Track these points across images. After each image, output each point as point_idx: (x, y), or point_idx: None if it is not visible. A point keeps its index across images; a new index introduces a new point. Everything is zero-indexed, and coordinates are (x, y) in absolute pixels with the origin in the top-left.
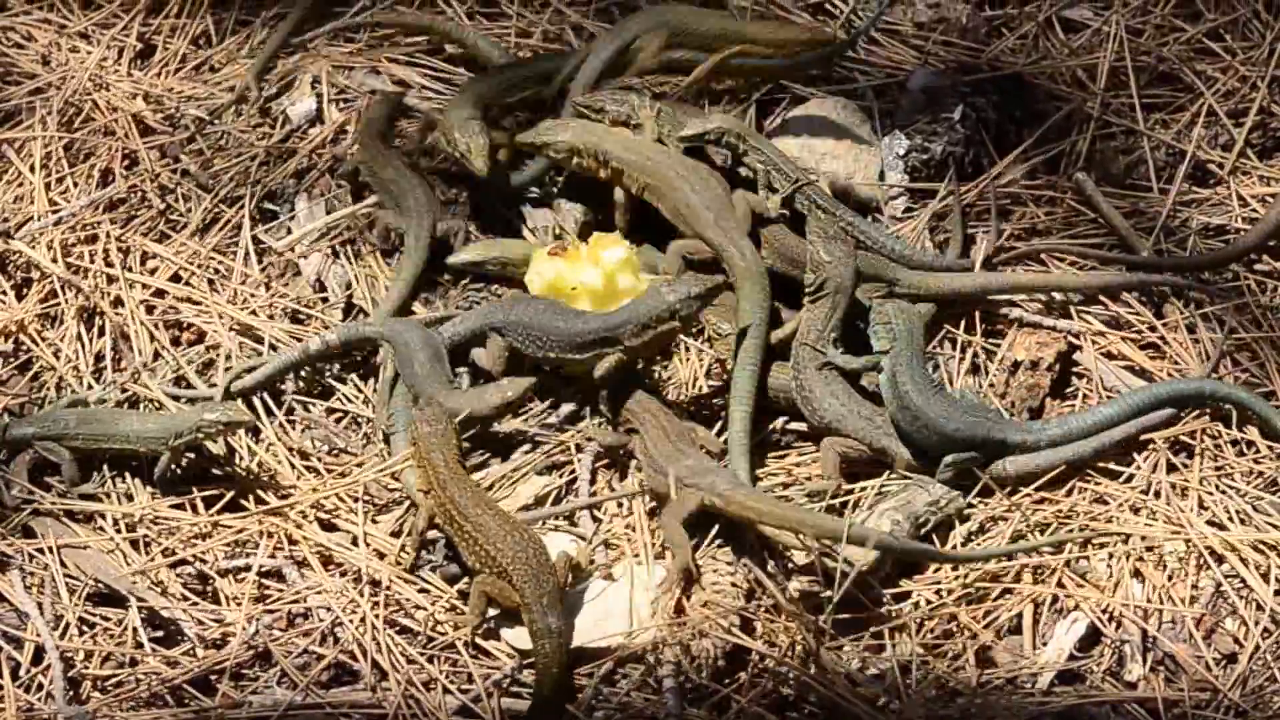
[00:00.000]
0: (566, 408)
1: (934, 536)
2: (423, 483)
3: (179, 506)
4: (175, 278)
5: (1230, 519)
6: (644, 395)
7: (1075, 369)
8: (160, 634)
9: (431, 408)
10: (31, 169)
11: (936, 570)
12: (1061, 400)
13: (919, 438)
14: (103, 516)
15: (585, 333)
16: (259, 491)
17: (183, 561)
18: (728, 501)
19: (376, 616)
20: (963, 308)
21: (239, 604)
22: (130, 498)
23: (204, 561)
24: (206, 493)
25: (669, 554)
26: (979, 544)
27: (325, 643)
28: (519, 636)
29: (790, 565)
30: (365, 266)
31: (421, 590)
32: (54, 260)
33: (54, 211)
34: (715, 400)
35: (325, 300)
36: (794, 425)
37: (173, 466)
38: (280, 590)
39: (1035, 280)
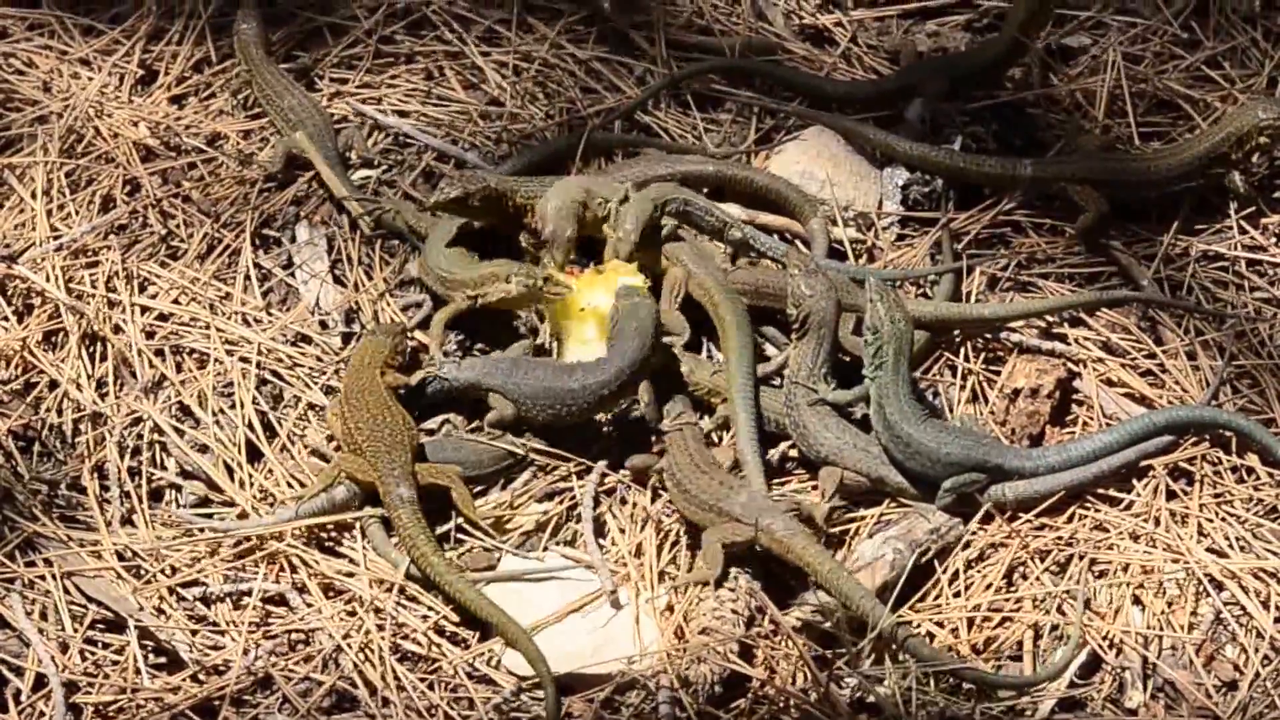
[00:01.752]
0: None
1: (935, 562)
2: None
3: (180, 532)
4: (176, 303)
5: (1230, 546)
6: (681, 409)
7: (1075, 396)
8: (161, 660)
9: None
10: (33, 195)
11: (937, 598)
12: (1062, 428)
13: (913, 465)
14: (104, 542)
15: (605, 384)
16: (259, 516)
17: (184, 587)
18: (784, 547)
19: (377, 642)
20: (959, 335)
21: (240, 629)
22: (131, 524)
23: (205, 587)
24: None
25: (701, 559)
26: (978, 570)
27: (326, 669)
28: (519, 661)
29: (795, 594)
30: (365, 292)
31: (423, 617)
32: (56, 286)
33: (55, 237)
34: None
35: (325, 326)
36: (794, 451)
37: None
38: (281, 616)
39: (999, 311)
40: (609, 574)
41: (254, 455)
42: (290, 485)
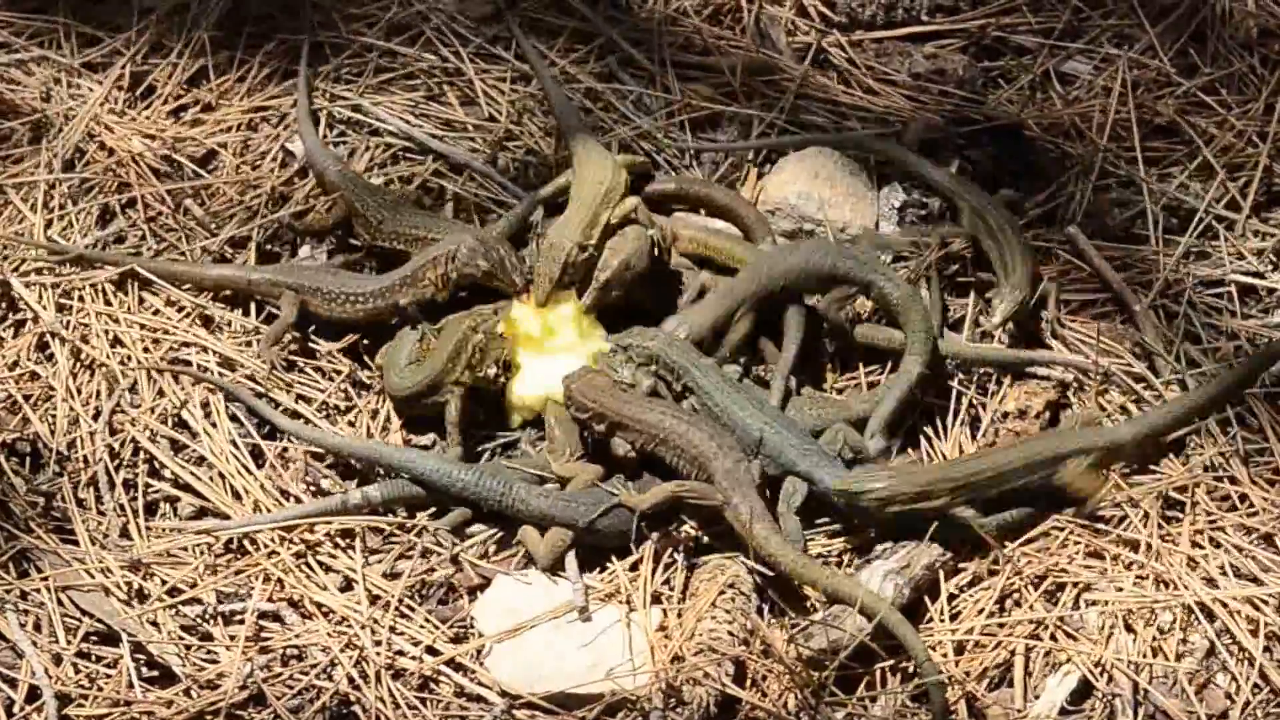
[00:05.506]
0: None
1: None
2: None
3: (175, 546)
4: (173, 318)
5: (1222, 574)
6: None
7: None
8: (155, 674)
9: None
10: (32, 208)
11: (928, 622)
12: None
13: None
14: (98, 556)
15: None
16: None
17: (178, 602)
18: (747, 534)
19: (370, 659)
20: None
21: (234, 643)
22: (126, 537)
23: (199, 602)
24: (201, 533)
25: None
26: (970, 595)
27: (319, 684)
28: (509, 679)
29: (788, 616)
30: None
31: (416, 635)
32: (53, 298)
33: (53, 250)
34: None
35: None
36: None
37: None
38: (275, 631)
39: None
40: (583, 590)
41: (249, 470)
42: (282, 501)
